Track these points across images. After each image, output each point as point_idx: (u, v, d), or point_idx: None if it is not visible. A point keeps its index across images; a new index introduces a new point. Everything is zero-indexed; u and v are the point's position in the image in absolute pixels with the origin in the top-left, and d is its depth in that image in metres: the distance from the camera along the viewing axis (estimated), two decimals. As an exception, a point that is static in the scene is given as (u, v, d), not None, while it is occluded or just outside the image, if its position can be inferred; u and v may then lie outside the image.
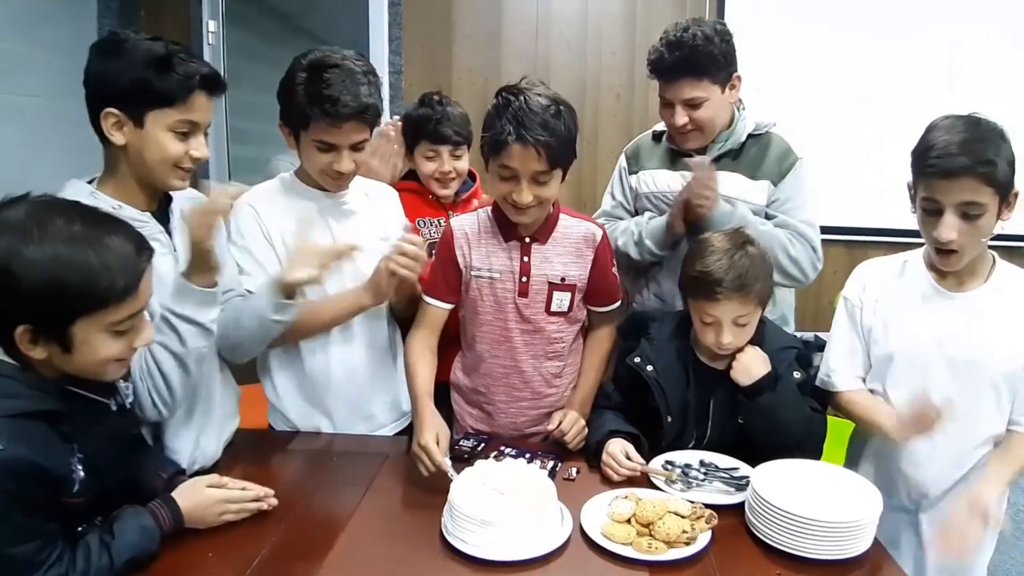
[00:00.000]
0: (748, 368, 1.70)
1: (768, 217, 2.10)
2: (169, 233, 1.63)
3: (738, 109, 2.14)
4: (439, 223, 2.28)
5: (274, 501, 1.54)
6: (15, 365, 1.22)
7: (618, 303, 2.01)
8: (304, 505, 1.59)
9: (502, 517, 1.39)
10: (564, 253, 1.89)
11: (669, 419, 1.78)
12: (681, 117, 2.02)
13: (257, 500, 1.52)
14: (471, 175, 2.40)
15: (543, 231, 1.88)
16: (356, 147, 1.81)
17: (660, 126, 2.25)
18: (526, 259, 1.87)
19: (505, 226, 1.88)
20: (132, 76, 1.47)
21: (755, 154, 2.11)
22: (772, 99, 3.33)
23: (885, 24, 3.65)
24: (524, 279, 1.87)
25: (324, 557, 1.40)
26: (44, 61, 3.20)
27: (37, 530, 1.19)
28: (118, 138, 1.51)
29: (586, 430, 1.84)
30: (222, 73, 1.62)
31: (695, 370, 1.81)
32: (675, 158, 2.17)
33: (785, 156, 2.10)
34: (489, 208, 1.94)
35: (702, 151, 2.11)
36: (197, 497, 1.45)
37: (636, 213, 2.29)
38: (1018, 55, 3.60)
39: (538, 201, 1.75)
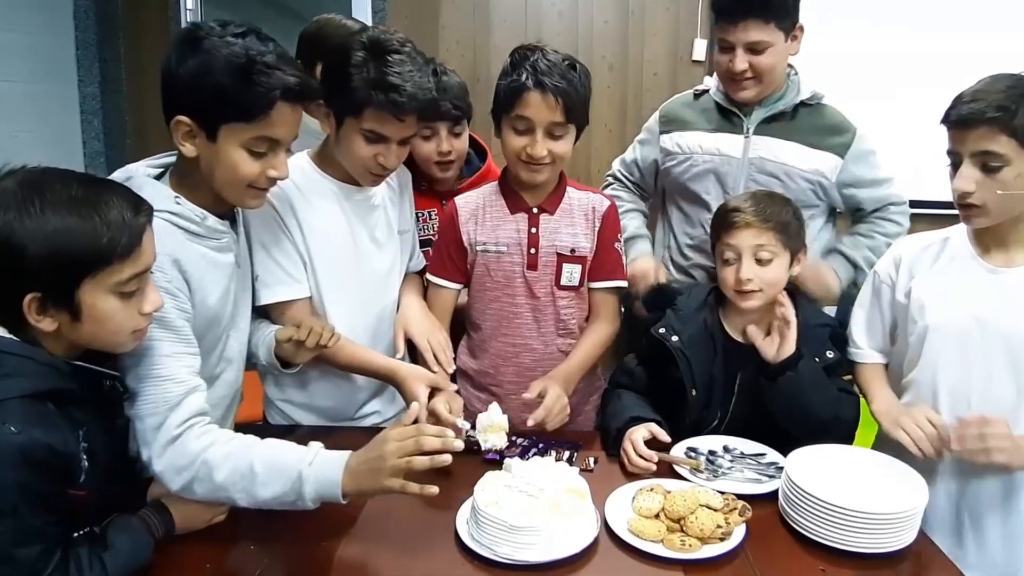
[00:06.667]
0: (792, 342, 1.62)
1: (846, 197, 2.07)
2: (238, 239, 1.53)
3: (789, 76, 2.06)
4: (430, 215, 2.14)
5: None
6: (19, 341, 1.17)
7: (620, 283, 1.92)
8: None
9: (534, 522, 1.29)
10: (573, 224, 1.84)
11: (694, 393, 1.70)
12: (741, 62, 1.94)
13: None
14: (480, 154, 2.23)
15: (551, 201, 1.84)
16: (404, 142, 1.67)
17: (702, 86, 2.18)
18: (534, 230, 1.82)
19: (512, 197, 1.83)
20: (206, 84, 1.31)
21: (810, 123, 2.05)
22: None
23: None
24: (532, 251, 1.82)
25: (331, 567, 1.31)
26: (19, 44, 3.09)
27: (42, 532, 1.13)
28: (188, 149, 1.37)
29: (567, 411, 1.73)
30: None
31: (723, 345, 1.73)
32: (716, 117, 2.10)
33: (844, 127, 2.05)
34: (495, 182, 1.88)
35: (750, 110, 2.05)
36: (190, 503, 1.36)
37: (655, 180, 2.24)
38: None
39: (551, 158, 1.71)
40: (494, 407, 1.64)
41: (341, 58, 1.58)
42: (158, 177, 1.44)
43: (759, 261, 1.64)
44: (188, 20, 3.66)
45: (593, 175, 3.67)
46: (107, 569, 1.19)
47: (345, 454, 1.32)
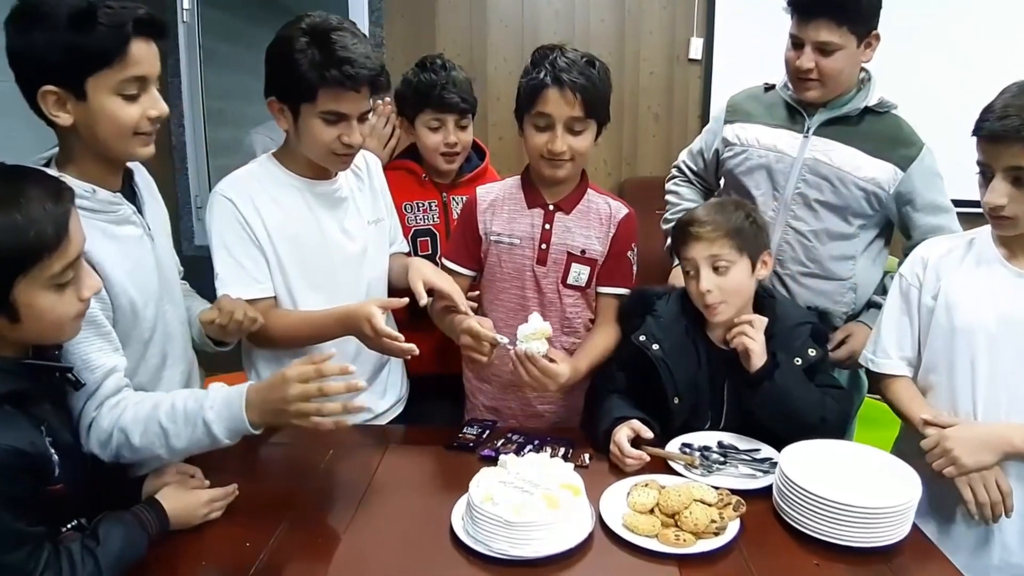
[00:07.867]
0: (761, 353, 1.61)
1: (901, 216, 2.01)
2: (140, 211, 1.50)
3: (862, 82, 2.02)
4: (430, 206, 2.16)
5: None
6: None
7: (626, 291, 1.91)
8: (300, 506, 1.48)
9: (529, 518, 1.29)
10: (588, 226, 1.86)
11: (676, 400, 1.69)
12: (808, 61, 1.90)
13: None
14: (479, 153, 2.26)
15: (569, 201, 1.86)
16: (362, 117, 1.68)
17: (772, 79, 2.15)
18: (548, 227, 1.85)
19: (531, 192, 1.87)
20: (57, 43, 1.27)
21: (875, 131, 1.99)
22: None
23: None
24: (544, 246, 1.85)
25: (327, 565, 1.31)
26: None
27: (26, 534, 1.12)
28: (64, 118, 1.32)
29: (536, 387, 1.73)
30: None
31: (707, 352, 1.72)
32: (780, 112, 2.07)
33: (911, 140, 1.99)
34: (518, 177, 1.92)
35: (814, 110, 2.02)
36: (184, 499, 1.37)
37: (716, 170, 2.22)
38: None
39: (571, 154, 1.74)
40: (535, 316, 1.66)
41: (285, 49, 1.60)
42: (46, 165, 1.39)
43: (716, 270, 1.63)
44: (185, 20, 3.65)
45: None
46: (100, 565, 1.18)
47: (243, 389, 1.33)
